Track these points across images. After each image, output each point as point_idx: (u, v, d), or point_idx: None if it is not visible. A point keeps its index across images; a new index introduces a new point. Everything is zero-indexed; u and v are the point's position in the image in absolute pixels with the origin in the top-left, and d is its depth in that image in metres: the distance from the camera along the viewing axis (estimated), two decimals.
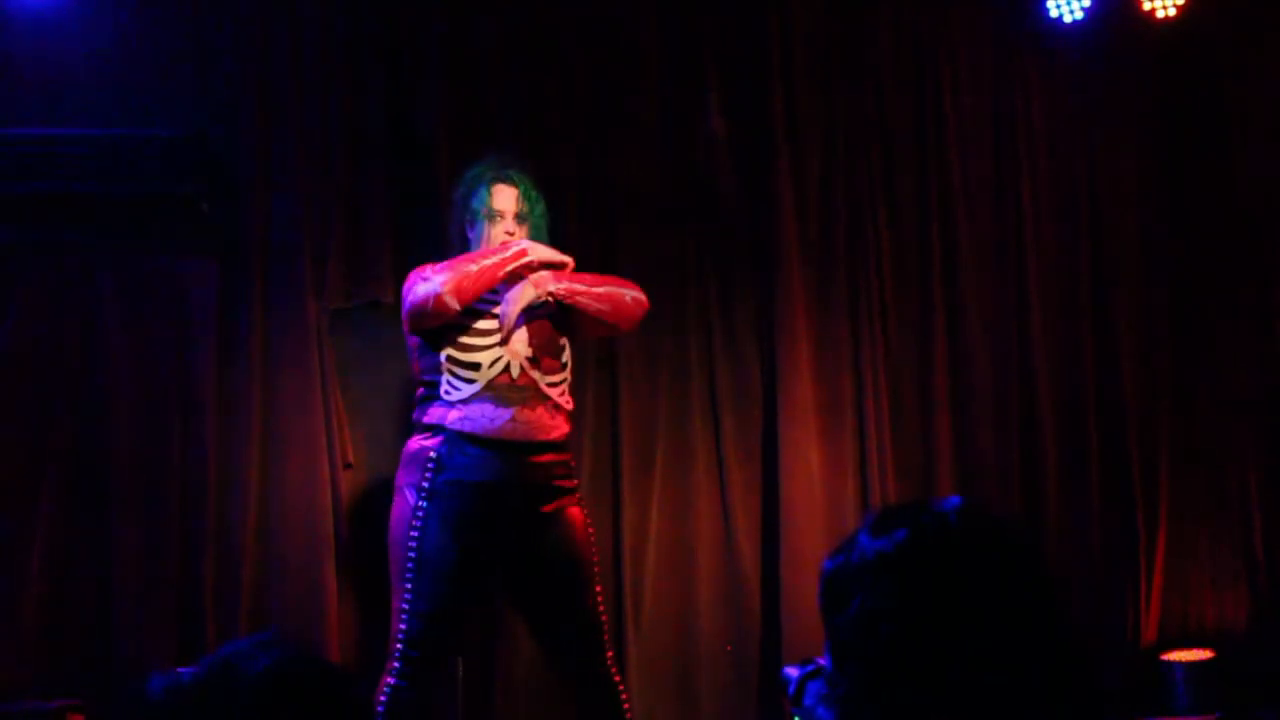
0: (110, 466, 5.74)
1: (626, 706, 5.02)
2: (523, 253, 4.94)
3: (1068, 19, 6.43)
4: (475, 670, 5.95)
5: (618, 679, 5.02)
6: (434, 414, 4.91)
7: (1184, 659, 6.21)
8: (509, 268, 4.93)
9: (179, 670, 1.70)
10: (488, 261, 4.91)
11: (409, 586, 4.81)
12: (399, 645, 4.81)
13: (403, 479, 4.93)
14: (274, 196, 5.91)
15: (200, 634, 5.70)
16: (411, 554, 4.81)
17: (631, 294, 5.13)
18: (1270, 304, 6.61)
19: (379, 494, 5.96)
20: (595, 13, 6.28)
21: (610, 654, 5.02)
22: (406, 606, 4.81)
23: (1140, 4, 6.41)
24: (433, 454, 4.86)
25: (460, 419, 4.86)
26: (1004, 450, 6.43)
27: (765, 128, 6.32)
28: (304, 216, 5.90)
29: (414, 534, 4.82)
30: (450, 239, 5.24)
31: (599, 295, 5.06)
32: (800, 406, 6.17)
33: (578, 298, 5.01)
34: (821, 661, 2.14)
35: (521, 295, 4.95)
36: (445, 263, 4.97)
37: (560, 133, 6.19)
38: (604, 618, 5.01)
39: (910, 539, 1.67)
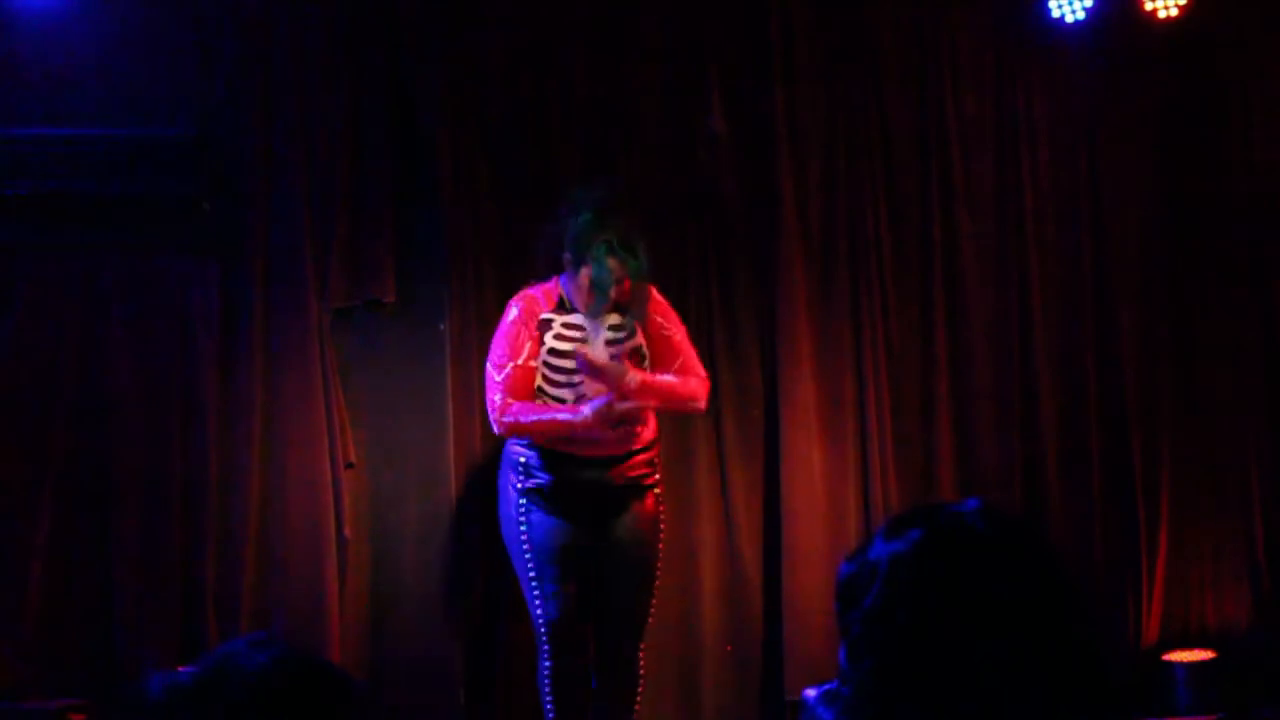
0: (111, 466, 5.74)
1: (639, 696, 5.35)
2: (586, 430, 5.18)
3: (1069, 19, 6.41)
4: (476, 670, 5.96)
5: (641, 671, 5.34)
6: None
7: (1185, 659, 6.21)
8: (568, 431, 5.21)
9: (178, 670, 1.70)
10: (550, 437, 5.23)
11: (532, 573, 5.25)
12: (542, 628, 5.24)
13: (503, 479, 5.38)
14: (274, 196, 5.91)
15: (201, 634, 5.70)
16: (525, 542, 5.26)
17: (692, 403, 5.48)
18: (1270, 304, 6.60)
19: (380, 494, 5.97)
20: (596, 13, 6.27)
21: (642, 646, 5.35)
22: (536, 589, 5.24)
23: (1142, 4, 6.39)
24: (522, 459, 5.28)
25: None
26: (1005, 450, 6.42)
27: (766, 128, 6.31)
28: (304, 216, 5.90)
29: (521, 525, 5.27)
30: (539, 251, 5.50)
31: (658, 403, 5.40)
32: (801, 407, 6.16)
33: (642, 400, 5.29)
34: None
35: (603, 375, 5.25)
36: (513, 387, 5.23)
37: (560, 133, 6.18)
38: (651, 611, 5.36)
39: (926, 538, 1.67)
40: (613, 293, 5.23)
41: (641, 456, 5.34)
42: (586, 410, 5.17)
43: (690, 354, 5.48)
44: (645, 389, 5.27)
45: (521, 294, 5.40)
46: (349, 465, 5.88)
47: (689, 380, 5.42)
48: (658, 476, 5.43)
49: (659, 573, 5.40)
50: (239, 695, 1.64)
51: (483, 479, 6.02)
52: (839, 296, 6.30)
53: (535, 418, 5.20)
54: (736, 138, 6.31)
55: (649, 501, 5.38)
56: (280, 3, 5.97)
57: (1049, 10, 6.43)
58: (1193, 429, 6.57)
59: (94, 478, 5.74)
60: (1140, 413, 6.52)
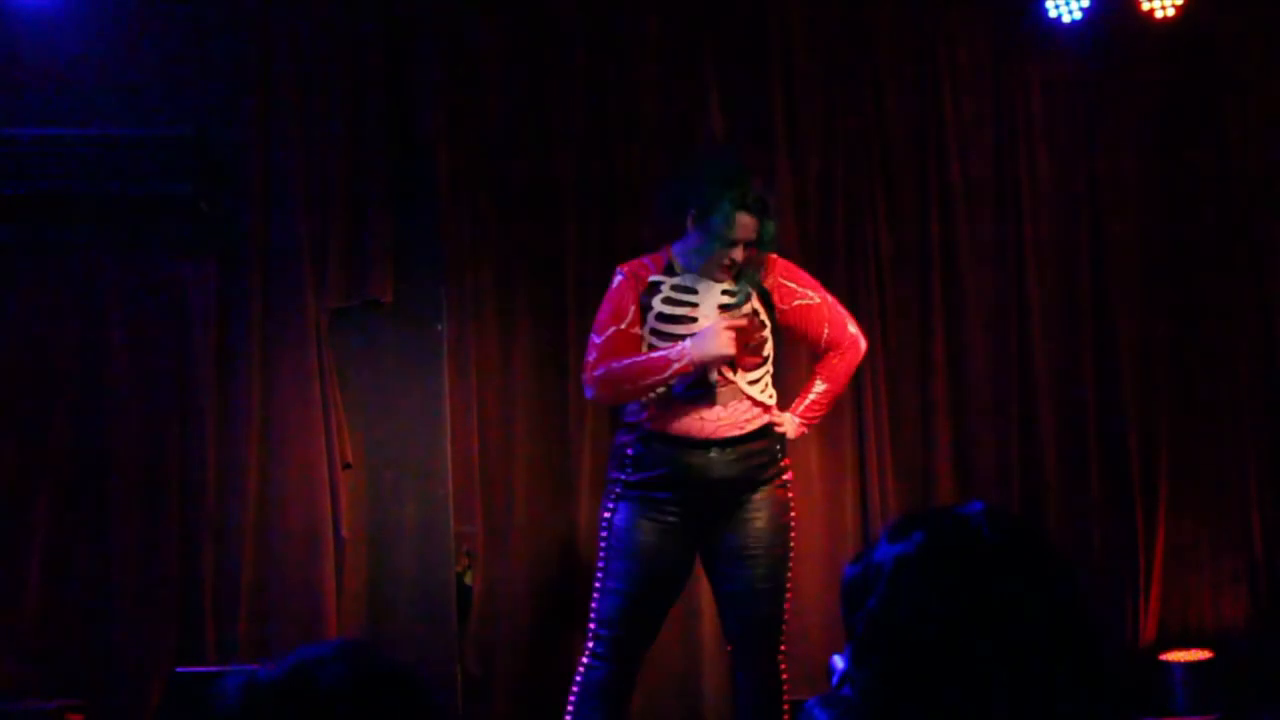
0: (109, 466, 5.75)
1: (786, 707, 4.97)
2: (685, 367, 4.82)
3: (1067, 19, 6.42)
4: (475, 670, 5.97)
5: (785, 679, 4.97)
6: (632, 410, 4.94)
7: (1183, 659, 6.22)
8: (668, 382, 4.86)
9: (255, 670, 1.69)
10: (644, 382, 4.85)
11: (602, 566, 4.89)
12: (591, 624, 4.88)
13: (609, 472, 5.01)
14: (272, 196, 5.91)
15: (199, 634, 5.72)
16: (604, 535, 4.91)
17: (854, 365, 5.24)
18: (1270, 303, 6.61)
19: (377, 494, 5.97)
20: (595, 12, 6.28)
21: (782, 649, 4.97)
22: (599, 586, 4.89)
23: (1139, 4, 6.40)
24: (629, 451, 4.90)
25: (652, 417, 4.87)
26: (1003, 450, 6.43)
27: (765, 127, 6.32)
28: (303, 216, 5.91)
29: (606, 516, 4.91)
30: (660, 212, 5.15)
31: (833, 403, 5.25)
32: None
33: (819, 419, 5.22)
34: None
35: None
36: (612, 349, 4.90)
37: (559, 133, 6.18)
38: (785, 611, 4.97)
39: (930, 540, 1.67)
40: (737, 253, 4.86)
41: (761, 443, 4.93)
42: (686, 343, 4.81)
43: (836, 318, 5.14)
44: (808, 423, 5.14)
45: (629, 262, 5.07)
46: (346, 465, 5.89)
47: (838, 363, 5.14)
48: (785, 463, 5.03)
49: (791, 574, 5.01)
50: (317, 706, 1.64)
51: (481, 478, 6.03)
52: (836, 295, 6.28)
53: (628, 361, 4.84)
54: (735, 137, 6.31)
55: (777, 496, 4.97)
56: (279, 3, 5.97)
57: (1046, 10, 6.44)
58: (1191, 429, 6.58)
59: (92, 477, 5.75)
60: (1138, 413, 6.52)
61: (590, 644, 4.89)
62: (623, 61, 6.28)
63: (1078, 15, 6.42)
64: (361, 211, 5.93)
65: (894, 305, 6.40)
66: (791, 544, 5.02)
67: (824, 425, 6.19)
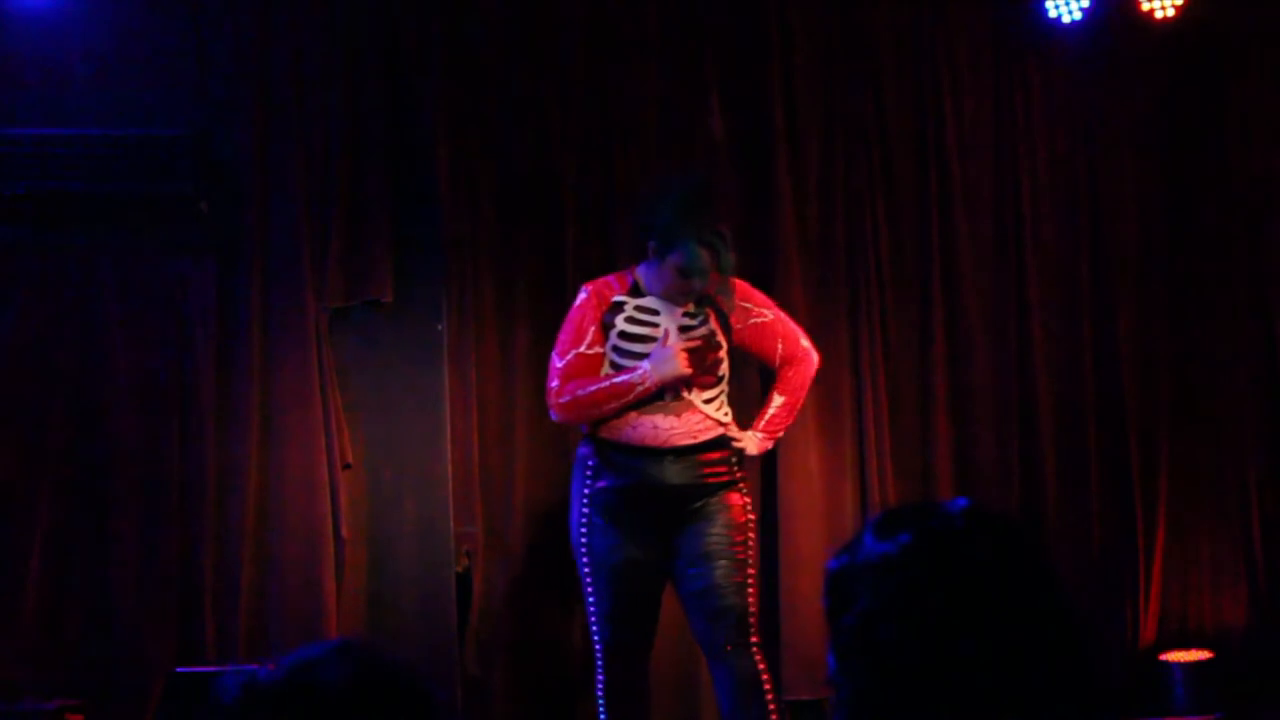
0: (109, 466, 5.76)
1: (770, 697, 5.05)
2: (649, 389, 4.98)
3: (1067, 19, 6.42)
4: (474, 670, 5.97)
5: (761, 665, 5.06)
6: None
7: (1183, 659, 6.22)
8: (631, 402, 5.01)
9: (255, 670, 1.69)
10: (609, 406, 5.00)
11: (590, 589, 5.08)
12: (597, 646, 5.11)
13: (572, 485, 5.18)
14: (273, 196, 5.92)
15: (199, 634, 5.73)
16: (585, 558, 5.08)
17: (810, 378, 5.35)
18: (1270, 304, 6.60)
19: (377, 494, 5.97)
20: (595, 13, 6.28)
21: (756, 640, 5.07)
22: (593, 608, 5.09)
23: (1139, 4, 6.39)
24: (590, 462, 5.09)
25: (607, 427, 5.04)
26: (1003, 450, 6.42)
27: (765, 127, 6.32)
28: (303, 216, 5.91)
29: (583, 539, 5.08)
30: (635, 232, 5.25)
31: (793, 416, 5.35)
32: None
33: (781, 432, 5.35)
34: None
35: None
36: (573, 373, 5.05)
37: (558, 133, 6.19)
38: (751, 606, 5.07)
39: (915, 540, 1.67)
40: (697, 282, 5.00)
41: (715, 454, 5.08)
42: (646, 364, 4.97)
43: (789, 333, 5.29)
44: (771, 436, 5.26)
45: (594, 280, 5.23)
46: (346, 465, 5.89)
47: (794, 376, 5.27)
48: (741, 474, 5.17)
49: (753, 569, 5.11)
50: (317, 706, 1.63)
51: (481, 478, 6.03)
52: (837, 296, 6.30)
53: (593, 387, 5.00)
54: (735, 137, 6.31)
55: (732, 500, 5.09)
56: (279, 3, 5.97)
57: (1046, 11, 6.43)
58: (1190, 429, 6.57)
59: (91, 477, 5.76)
60: (1138, 413, 6.52)
61: (600, 662, 5.10)
62: (623, 61, 6.27)
63: (1078, 15, 6.41)
64: (360, 211, 5.94)
65: (893, 305, 6.40)
66: (751, 543, 5.14)
67: (824, 425, 6.23)
